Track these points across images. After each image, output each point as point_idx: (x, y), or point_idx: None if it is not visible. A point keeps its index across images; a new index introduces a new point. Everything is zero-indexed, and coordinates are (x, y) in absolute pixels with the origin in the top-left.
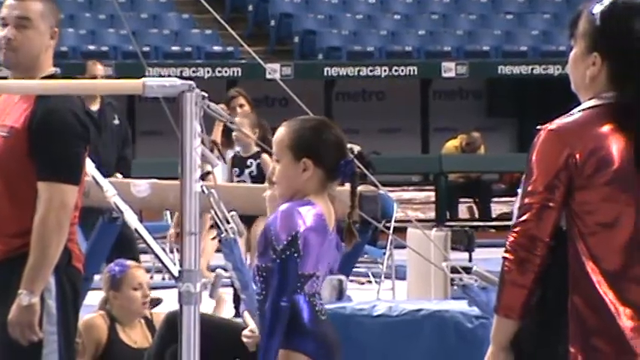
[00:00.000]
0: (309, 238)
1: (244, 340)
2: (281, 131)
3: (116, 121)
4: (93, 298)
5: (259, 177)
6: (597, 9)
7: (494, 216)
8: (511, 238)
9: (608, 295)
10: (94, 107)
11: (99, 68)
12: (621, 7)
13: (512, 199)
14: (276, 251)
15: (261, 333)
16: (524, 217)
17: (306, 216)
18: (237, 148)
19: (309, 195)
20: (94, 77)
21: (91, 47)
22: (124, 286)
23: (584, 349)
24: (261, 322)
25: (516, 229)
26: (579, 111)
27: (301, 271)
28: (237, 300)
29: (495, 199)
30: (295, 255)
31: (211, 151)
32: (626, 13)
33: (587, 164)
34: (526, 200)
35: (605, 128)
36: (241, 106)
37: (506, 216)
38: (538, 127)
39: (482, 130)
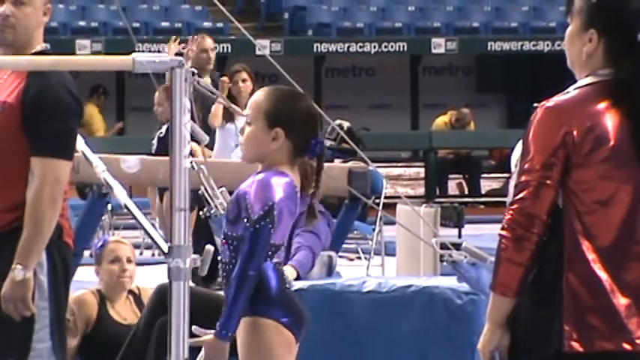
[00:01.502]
0: (283, 209)
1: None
2: (259, 95)
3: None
4: (82, 274)
5: None
6: None
7: (483, 192)
8: (508, 216)
9: (604, 273)
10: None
11: (208, 42)
12: None
13: (502, 175)
14: (251, 220)
15: (227, 302)
16: (521, 195)
17: (282, 187)
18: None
19: (280, 165)
20: (205, 50)
21: (81, 23)
22: (103, 260)
23: (578, 326)
24: (227, 290)
25: (513, 207)
26: (576, 88)
27: (272, 241)
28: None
29: (485, 175)
30: (270, 225)
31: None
32: None
33: (585, 142)
34: (523, 178)
35: (602, 105)
36: (244, 80)
37: (496, 192)
38: (534, 104)
39: (472, 107)
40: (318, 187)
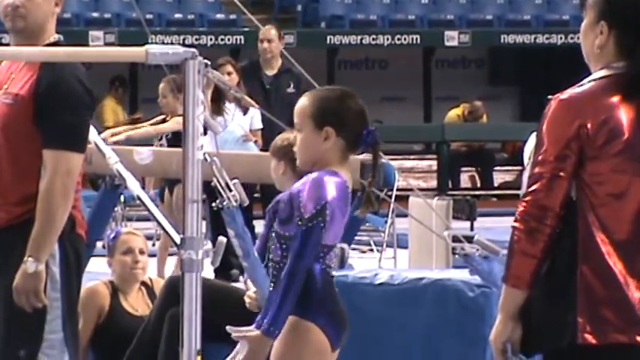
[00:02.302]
0: (335, 209)
1: (247, 302)
2: (303, 101)
3: (290, 89)
4: (94, 265)
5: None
6: None
7: (496, 185)
8: (521, 208)
9: (618, 266)
10: (271, 72)
11: (270, 34)
12: None
13: (515, 168)
14: (303, 219)
15: (273, 299)
16: (534, 187)
17: (334, 186)
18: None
19: (332, 165)
20: (263, 41)
21: (94, 14)
22: (116, 252)
23: (592, 319)
24: (274, 288)
25: (527, 199)
26: (590, 81)
27: (324, 241)
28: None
29: (497, 168)
30: (322, 225)
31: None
32: None
33: (599, 135)
34: (536, 170)
35: (616, 99)
36: (229, 74)
37: (508, 185)
38: (548, 96)
39: (485, 99)
40: (375, 177)
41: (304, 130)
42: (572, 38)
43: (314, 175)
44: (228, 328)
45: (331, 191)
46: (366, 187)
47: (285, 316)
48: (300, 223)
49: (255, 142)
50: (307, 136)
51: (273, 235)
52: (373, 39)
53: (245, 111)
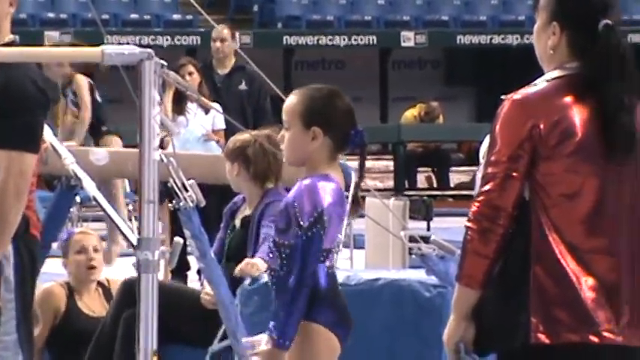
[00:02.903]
0: (332, 214)
1: (203, 299)
2: (291, 99)
3: (243, 87)
4: (50, 267)
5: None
6: None
7: (452, 185)
8: (474, 208)
9: (571, 266)
10: (223, 72)
11: (223, 33)
12: None
13: (471, 168)
14: (302, 228)
15: (281, 308)
16: (487, 187)
17: (329, 192)
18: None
19: (320, 165)
20: (216, 40)
21: (50, 15)
22: (70, 252)
23: (545, 319)
24: (280, 297)
25: (479, 199)
26: (543, 81)
27: (324, 246)
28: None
29: (454, 169)
30: (321, 232)
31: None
32: None
33: (551, 135)
34: (489, 170)
35: (569, 99)
36: (190, 74)
37: (465, 185)
38: (502, 96)
39: (441, 100)
40: (363, 178)
41: (292, 129)
42: (527, 39)
43: (307, 181)
44: (243, 340)
45: (327, 198)
46: (354, 194)
47: (295, 327)
48: (299, 232)
49: (218, 142)
50: (295, 135)
51: (272, 243)
52: (330, 40)
53: (207, 111)
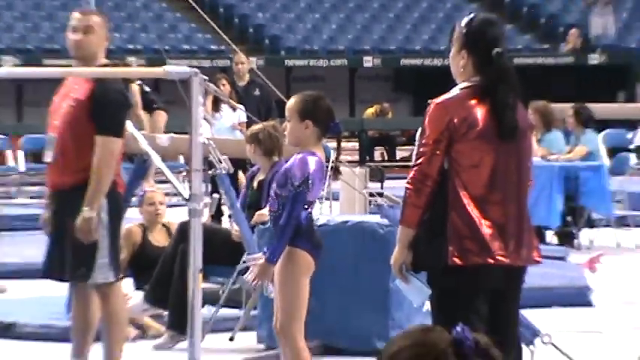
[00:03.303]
0: (315, 178)
1: (233, 235)
2: (291, 101)
3: (256, 93)
4: (131, 213)
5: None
6: (463, 22)
7: (398, 159)
8: (411, 174)
9: (474, 213)
10: (242, 83)
11: (242, 58)
12: (478, 20)
13: (410, 147)
14: (294, 186)
15: (274, 234)
16: (419, 161)
17: (314, 163)
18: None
19: (310, 145)
20: (237, 63)
21: (130, 46)
22: (144, 204)
23: (458, 248)
24: (275, 229)
25: (415, 169)
26: (456, 90)
27: (309, 199)
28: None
29: (399, 148)
30: (306, 190)
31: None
32: (481, 24)
33: (462, 126)
34: (421, 149)
35: (473, 102)
36: (223, 85)
37: (406, 159)
38: (429, 101)
39: (390, 102)
40: (339, 154)
41: (292, 121)
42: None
43: (300, 156)
44: (245, 257)
45: (312, 166)
46: (333, 165)
47: (282, 250)
48: (291, 188)
49: (241, 130)
50: (294, 125)
51: (272, 194)
52: (316, 62)
53: (234, 109)
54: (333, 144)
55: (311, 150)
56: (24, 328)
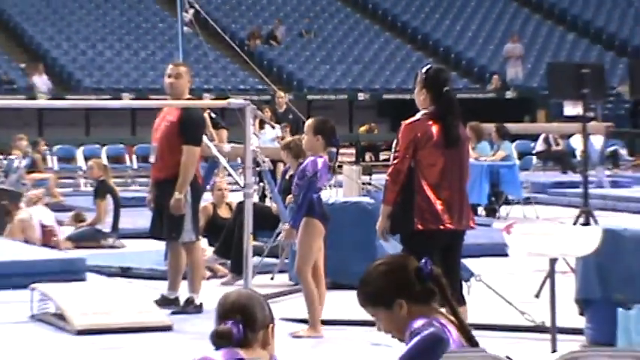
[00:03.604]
0: (322, 173)
1: (273, 209)
2: (308, 122)
3: (290, 117)
4: (206, 196)
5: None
6: (424, 70)
7: (381, 160)
8: (389, 170)
9: (431, 195)
10: (281, 110)
11: (281, 94)
12: (433, 69)
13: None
14: (308, 178)
15: (294, 209)
16: (395, 161)
17: (321, 163)
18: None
19: (320, 152)
20: (278, 97)
21: (205, 86)
22: (214, 190)
23: (421, 218)
24: (295, 207)
25: (392, 166)
26: (419, 115)
27: (318, 186)
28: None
29: (382, 153)
30: (315, 180)
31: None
32: (435, 71)
33: (423, 139)
34: (396, 154)
35: (430, 122)
36: (267, 111)
37: (386, 160)
38: (401, 122)
39: (376, 123)
40: (337, 159)
41: (308, 135)
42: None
43: (312, 158)
44: (280, 225)
45: (320, 165)
46: (332, 164)
47: (300, 219)
48: (306, 179)
49: (278, 142)
50: (309, 138)
51: (295, 184)
52: (328, 97)
53: (273, 127)
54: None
55: (320, 154)
56: (137, 270)
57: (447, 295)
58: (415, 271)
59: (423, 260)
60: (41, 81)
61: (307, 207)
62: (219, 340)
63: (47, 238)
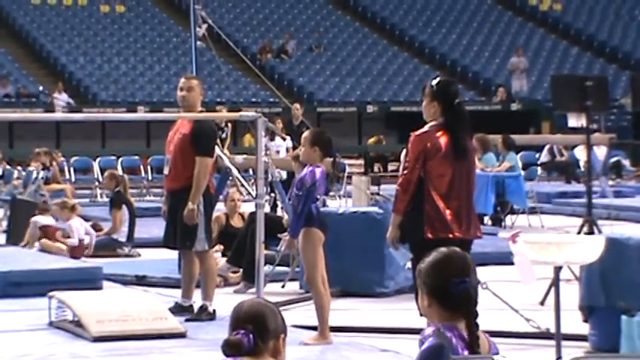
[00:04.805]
0: (320, 183)
1: (284, 220)
2: (306, 133)
3: (304, 128)
4: (219, 206)
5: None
6: (433, 82)
7: (389, 170)
8: (400, 180)
9: (440, 204)
10: (296, 122)
11: (297, 107)
12: (443, 81)
13: (397, 163)
14: (306, 188)
15: (293, 218)
16: (405, 172)
17: (319, 172)
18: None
19: (316, 162)
20: (295, 110)
21: (218, 99)
22: (227, 200)
23: (431, 227)
24: (294, 216)
25: (402, 176)
26: (428, 126)
27: (316, 195)
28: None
29: (390, 164)
30: (314, 190)
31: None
32: (444, 84)
33: (432, 150)
34: (406, 164)
35: (439, 134)
36: (278, 123)
37: (394, 171)
38: (410, 133)
39: (384, 135)
40: (334, 170)
41: (306, 147)
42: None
43: (310, 168)
44: (279, 235)
45: (318, 175)
46: (330, 174)
47: (298, 230)
48: (304, 189)
49: (289, 153)
50: (306, 150)
51: (294, 193)
52: (337, 109)
53: (284, 139)
54: (347, 161)
55: (317, 164)
56: (151, 279)
57: (470, 316)
58: (451, 282)
59: (462, 280)
60: (60, 98)
61: (305, 217)
62: (229, 349)
63: (79, 250)
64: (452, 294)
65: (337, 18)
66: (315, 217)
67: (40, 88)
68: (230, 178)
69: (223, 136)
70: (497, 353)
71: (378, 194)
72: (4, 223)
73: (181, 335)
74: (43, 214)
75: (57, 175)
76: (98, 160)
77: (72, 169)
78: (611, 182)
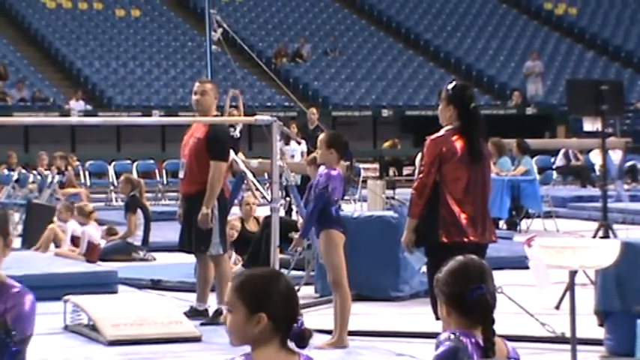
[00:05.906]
0: (336, 184)
1: (299, 224)
2: (321, 137)
3: (319, 132)
4: (234, 210)
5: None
6: (449, 86)
7: (404, 174)
8: (415, 184)
9: (455, 208)
10: (312, 127)
11: (314, 111)
12: (458, 86)
13: (412, 167)
14: (320, 189)
15: (305, 218)
16: (421, 175)
17: (335, 174)
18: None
19: (333, 164)
20: (311, 114)
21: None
22: (242, 204)
23: (446, 231)
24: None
25: (418, 180)
26: (443, 130)
27: (333, 198)
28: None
29: (405, 168)
30: (326, 193)
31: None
32: (460, 88)
33: (447, 154)
34: (422, 168)
35: (455, 138)
36: (293, 127)
37: (409, 175)
38: (426, 137)
39: (399, 139)
40: (350, 172)
41: (321, 149)
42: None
43: (325, 170)
44: (290, 234)
45: (333, 177)
46: (347, 177)
47: (309, 230)
48: (318, 191)
49: (304, 157)
50: (323, 152)
51: (311, 195)
52: (352, 113)
53: (299, 143)
54: (363, 165)
55: (333, 167)
56: (167, 283)
57: (487, 323)
58: (468, 290)
59: (479, 287)
60: (77, 105)
61: (325, 219)
62: (307, 340)
63: (93, 255)
64: (469, 302)
65: (352, 22)
66: (335, 219)
67: (54, 90)
68: (245, 182)
69: (237, 134)
70: (518, 359)
71: (393, 198)
72: (20, 227)
73: (196, 339)
74: (67, 218)
75: (72, 179)
76: (113, 164)
77: (87, 173)
78: (626, 186)
